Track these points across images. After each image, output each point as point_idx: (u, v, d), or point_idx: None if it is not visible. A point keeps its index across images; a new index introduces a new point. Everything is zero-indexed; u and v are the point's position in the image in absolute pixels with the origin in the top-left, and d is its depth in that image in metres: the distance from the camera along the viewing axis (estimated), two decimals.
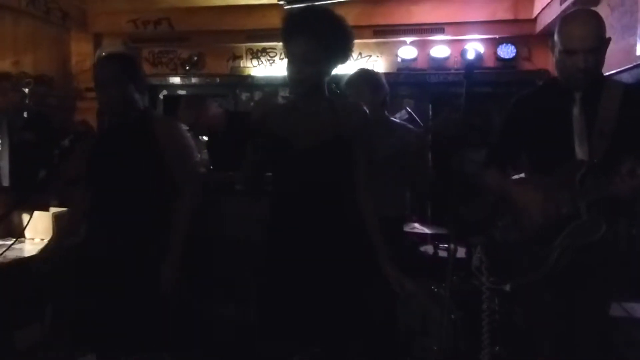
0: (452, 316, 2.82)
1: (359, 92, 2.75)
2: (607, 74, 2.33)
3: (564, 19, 1.95)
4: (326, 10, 1.90)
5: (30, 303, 3.25)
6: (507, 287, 1.95)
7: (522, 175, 2.14)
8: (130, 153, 2.20)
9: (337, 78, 2.13)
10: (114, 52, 2.70)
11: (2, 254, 2.45)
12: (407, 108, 3.40)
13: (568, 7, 3.25)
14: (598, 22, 1.89)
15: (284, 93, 1.91)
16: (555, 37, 1.93)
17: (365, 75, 2.85)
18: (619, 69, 2.81)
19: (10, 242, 3.59)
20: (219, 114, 3.93)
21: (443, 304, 2.40)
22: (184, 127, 2.36)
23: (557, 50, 1.92)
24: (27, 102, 3.95)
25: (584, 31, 1.85)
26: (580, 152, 1.88)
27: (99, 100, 2.29)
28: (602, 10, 2.97)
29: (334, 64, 1.93)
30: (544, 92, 2.17)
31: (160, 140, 2.20)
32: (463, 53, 4.37)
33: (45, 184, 2.21)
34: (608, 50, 1.92)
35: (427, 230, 3.47)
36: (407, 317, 3.05)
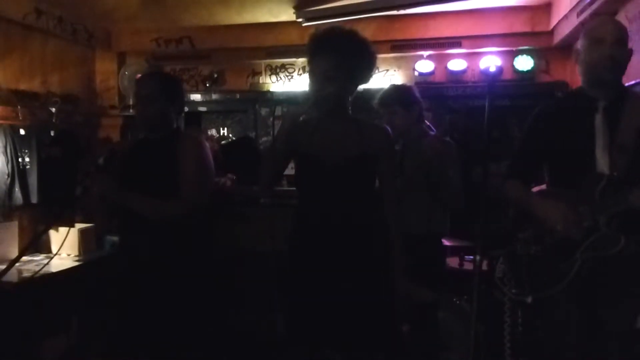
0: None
1: (390, 112, 2.75)
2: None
3: (588, 23, 2.01)
4: (351, 31, 1.95)
5: (57, 314, 3.33)
6: (529, 299, 1.96)
7: (543, 187, 2.15)
8: (155, 169, 2.26)
9: (369, 94, 2.17)
10: (156, 70, 2.75)
11: (38, 272, 2.53)
12: (426, 121, 3.43)
13: (585, 19, 3.26)
14: (620, 22, 1.98)
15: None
16: (579, 42, 1.98)
17: (396, 93, 2.82)
18: (637, 81, 2.80)
19: (38, 258, 3.73)
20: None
21: (466, 317, 2.40)
22: (207, 146, 2.37)
23: (582, 49, 1.96)
24: (54, 120, 4.07)
25: (611, 22, 1.96)
26: (601, 164, 1.88)
27: (136, 114, 2.35)
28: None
29: (356, 84, 1.97)
30: (566, 102, 2.18)
31: (180, 157, 2.23)
32: (484, 67, 4.37)
33: (82, 201, 2.27)
34: None
35: (447, 243, 3.47)
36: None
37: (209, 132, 3.89)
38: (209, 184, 2.36)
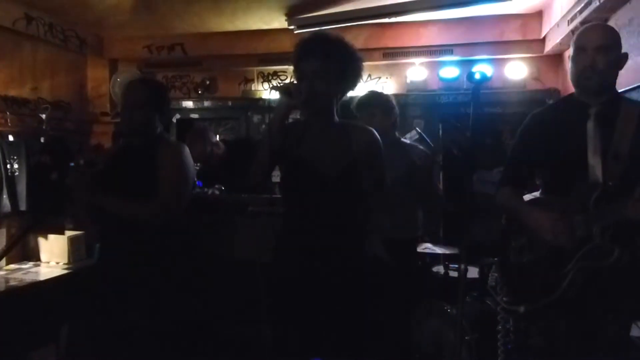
0: (466, 337, 2.79)
1: (369, 114, 2.78)
2: None
3: (578, 31, 2.01)
4: (338, 37, 1.96)
5: (46, 324, 3.28)
6: (521, 309, 1.93)
7: (536, 194, 2.13)
8: (134, 175, 2.24)
9: (348, 100, 2.18)
10: (146, 77, 2.74)
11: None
12: (417, 129, 3.44)
13: (576, 27, 3.27)
14: (609, 27, 1.99)
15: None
16: (570, 49, 1.97)
17: (375, 98, 2.89)
18: (627, 88, 2.81)
19: (26, 266, 3.69)
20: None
21: (456, 325, 2.38)
22: (187, 152, 2.35)
23: (571, 57, 1.96)
24: (44, 127, 4.04)
25: (595, 29, 1.95)
26: (594, 171, 1.86)
27: (122, 120, 2.34)
28: None
29: (343, 88, 1.97)
30: (558, 108, 2.16)
31: (159, 162, 2.22)
32: (469, 75, 4.37)
33: (58, 207, 2.27)
34: None
35: (439, 251, 3.46)
36: (420, 339, 3.03)
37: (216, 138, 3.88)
38: (187, 189, 2.33)
